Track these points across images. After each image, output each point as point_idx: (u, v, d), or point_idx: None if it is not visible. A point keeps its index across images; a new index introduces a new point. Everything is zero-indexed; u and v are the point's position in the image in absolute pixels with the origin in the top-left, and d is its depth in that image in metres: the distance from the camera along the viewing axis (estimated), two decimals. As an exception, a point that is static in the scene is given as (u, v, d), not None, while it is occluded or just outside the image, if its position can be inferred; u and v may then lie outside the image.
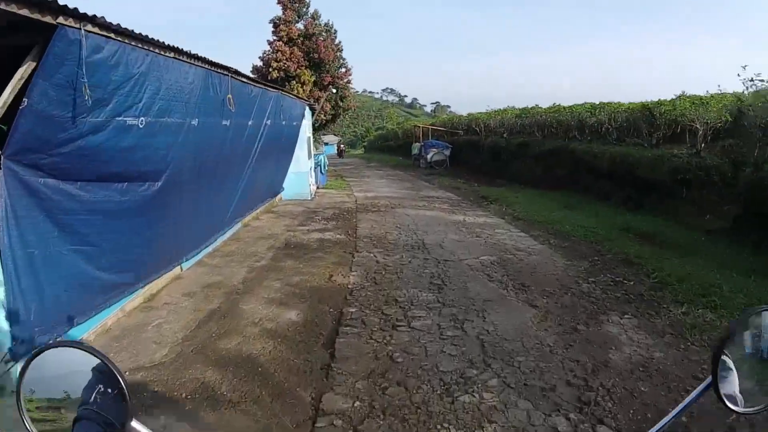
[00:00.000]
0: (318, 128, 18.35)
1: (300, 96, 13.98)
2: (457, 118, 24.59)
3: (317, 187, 14.02)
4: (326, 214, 9.73)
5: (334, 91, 16.57)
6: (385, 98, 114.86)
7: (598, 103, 14.14)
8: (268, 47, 16.66)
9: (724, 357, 0.84)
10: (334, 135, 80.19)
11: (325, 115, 17.31)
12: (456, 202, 11.49)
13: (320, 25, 17.22)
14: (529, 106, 18.08)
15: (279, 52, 16.04)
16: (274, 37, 16.59)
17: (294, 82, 15.56)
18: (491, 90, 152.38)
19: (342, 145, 39.79)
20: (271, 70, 15.74)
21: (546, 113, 15.33)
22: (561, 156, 13.17)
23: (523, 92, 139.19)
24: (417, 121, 44.82)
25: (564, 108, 14.76)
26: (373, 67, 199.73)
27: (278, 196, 11.10)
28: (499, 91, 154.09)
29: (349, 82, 18.43)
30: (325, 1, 19.08)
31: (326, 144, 74.19)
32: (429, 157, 20.73)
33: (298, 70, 16.02)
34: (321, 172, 14.19)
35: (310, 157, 12.58)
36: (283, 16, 16.67)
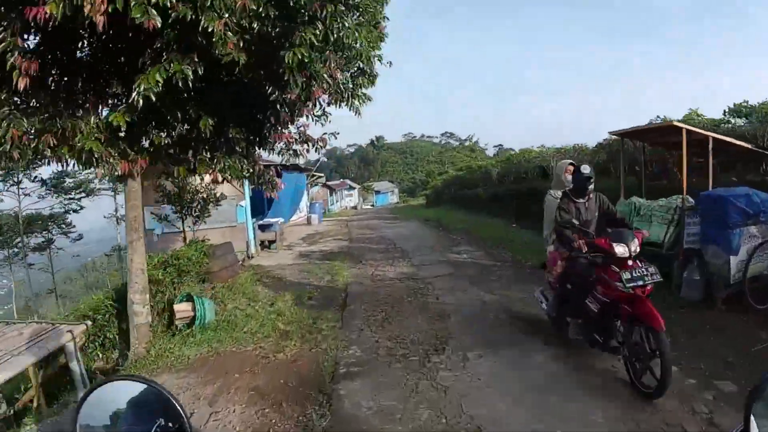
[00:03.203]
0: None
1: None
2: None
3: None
4: None
5: None
6: (444, 142, 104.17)
7: None
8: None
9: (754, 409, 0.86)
10: (390, 182, 63.31)
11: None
12: None
13: None
14: None
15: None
16: None
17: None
18: (557, 129, 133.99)
19: None
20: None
21: None
22: None
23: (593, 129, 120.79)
24: (481, 162, 29.02)
25: None
26: (430, 112, 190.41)
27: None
28: (565, 129, 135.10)
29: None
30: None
31: (377, 193, 57.43)
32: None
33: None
34: None
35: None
36: None
